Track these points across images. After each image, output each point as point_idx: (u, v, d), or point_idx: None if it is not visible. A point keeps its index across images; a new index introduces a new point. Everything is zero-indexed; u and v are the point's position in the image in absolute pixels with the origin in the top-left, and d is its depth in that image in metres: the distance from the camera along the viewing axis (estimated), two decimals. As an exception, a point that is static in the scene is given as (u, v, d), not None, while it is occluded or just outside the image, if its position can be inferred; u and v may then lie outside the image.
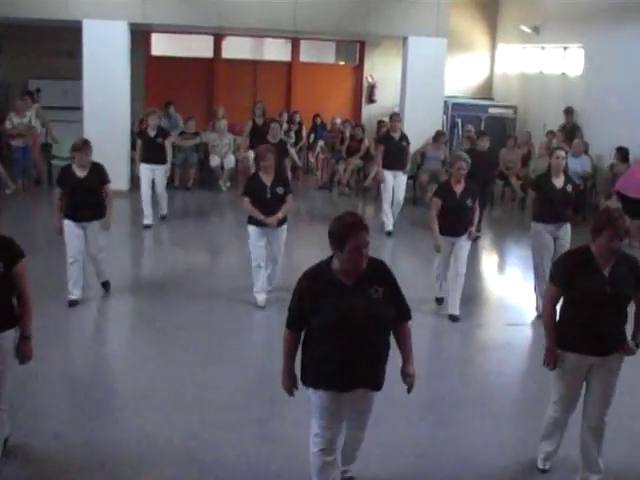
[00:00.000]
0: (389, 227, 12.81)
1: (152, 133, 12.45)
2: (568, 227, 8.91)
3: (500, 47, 20.30)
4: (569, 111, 15.94)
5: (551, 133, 15.71)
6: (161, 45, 19.90)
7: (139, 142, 12.65)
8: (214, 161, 15.87)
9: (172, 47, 20.05)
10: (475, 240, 9.01)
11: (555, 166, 8.86)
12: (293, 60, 20.61)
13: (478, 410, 6.82)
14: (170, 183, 14.33)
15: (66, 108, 16.96)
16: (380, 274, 4.56)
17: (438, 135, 15.27)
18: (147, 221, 12.62)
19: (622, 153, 13.56)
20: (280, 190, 8.74)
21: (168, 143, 12.69)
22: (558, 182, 8.83)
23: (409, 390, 4.75)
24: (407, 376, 4.71)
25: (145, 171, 12.57)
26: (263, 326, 8.83)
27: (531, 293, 9.38)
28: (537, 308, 9.08)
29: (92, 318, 8.85)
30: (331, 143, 16.88)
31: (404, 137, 12.97)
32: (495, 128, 17.01)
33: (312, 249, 10.53)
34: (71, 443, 5.81)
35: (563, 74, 17.03)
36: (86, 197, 8.49)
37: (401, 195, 13.02)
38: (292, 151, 15.65)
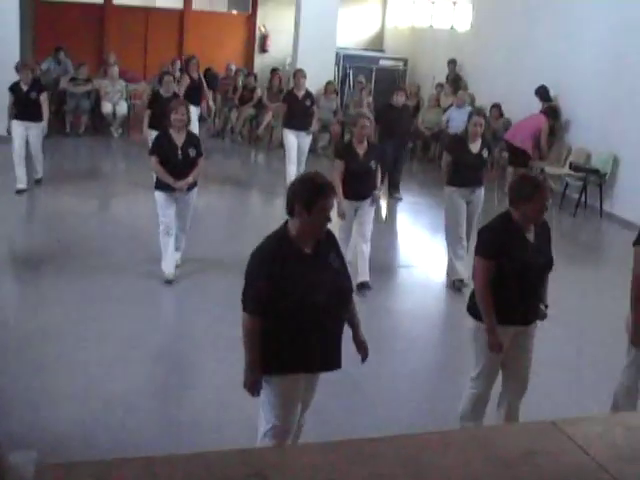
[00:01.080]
0: None
1: (25, 87, 11.09)
2: (482, 191, 8.84)
3: (391, 0, 20.61)
4: (452, 62, 16.54)
5: (440, 86, 16.20)
6: (50, -11, 19.35)
7: (11, 97, 11.14)
8: (106, 108, 15.69)
9: (61, -9, 19.51)
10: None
11: (472, 132, 8.65)
12: (185, 8, 20.41)
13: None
14: (62, 130, 14.07)
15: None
16: (332, 242, 4.35)
17: (328, 85, 15.52)
18: (20, 185, 11.14)
19: (497, 109, 14.25)
20: (192, 152, 7.99)
21: (44, 98, 11.29)
22: (474, 147, 8.68)
23: (364, 359, 4.53)
24: (362, 342, 4.49)
25: (18, 129, 11.15)
26: (172, 302, 8.03)
27: (424, 242, 9.64)
28: (448, 272, 8.93)
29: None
30: (224, 91, 16.92)
31: (309, 95, 12.43)
32: (386, 80, 17.40)
33: (217, 206, 10.45)
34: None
35: (452, 28, 17.49)
36: None
37: (303, 156, 12.40)
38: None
